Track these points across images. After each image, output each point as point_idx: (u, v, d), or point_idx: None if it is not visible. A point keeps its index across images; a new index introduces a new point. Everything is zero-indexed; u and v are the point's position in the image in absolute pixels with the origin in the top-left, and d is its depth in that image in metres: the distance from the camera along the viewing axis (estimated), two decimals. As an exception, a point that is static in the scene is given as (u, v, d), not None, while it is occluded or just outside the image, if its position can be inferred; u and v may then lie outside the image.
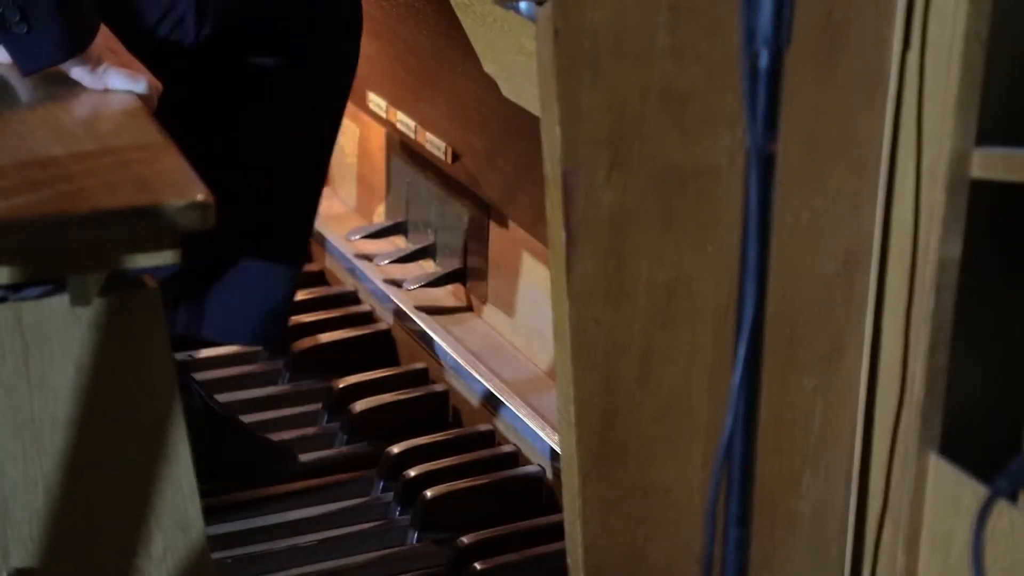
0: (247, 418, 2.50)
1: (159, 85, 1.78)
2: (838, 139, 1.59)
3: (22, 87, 1.73)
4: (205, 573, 1.57)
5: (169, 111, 1.78)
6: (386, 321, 2.73)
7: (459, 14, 2.06)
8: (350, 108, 3.02)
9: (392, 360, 2.69)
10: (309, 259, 2.90)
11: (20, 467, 1.49)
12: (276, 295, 2.17)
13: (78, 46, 1.70)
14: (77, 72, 1.72)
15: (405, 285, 2.70)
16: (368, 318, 2.76)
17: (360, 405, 2.48)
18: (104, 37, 1.74)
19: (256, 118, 2.10)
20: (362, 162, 3.02)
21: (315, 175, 2.20)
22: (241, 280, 2.15)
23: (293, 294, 2.22)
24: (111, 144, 1.58)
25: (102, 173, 1.49)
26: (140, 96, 1.73)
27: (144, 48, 1.83)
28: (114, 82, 1.73)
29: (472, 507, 2.26)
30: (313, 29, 2.08)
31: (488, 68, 2.02)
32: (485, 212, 2.59)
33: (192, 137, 2.07)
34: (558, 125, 1.49)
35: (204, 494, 1.57)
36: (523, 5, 1.81)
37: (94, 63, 1.72)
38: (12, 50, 1.69)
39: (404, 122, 2.73)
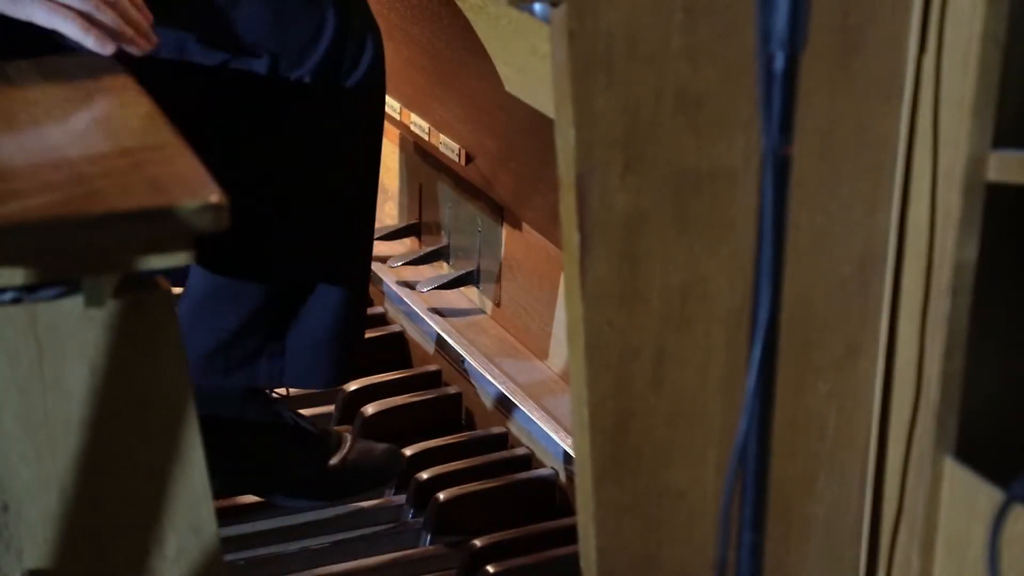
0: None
1: (139, 40, 1.70)
2: (854, 142, 1.59)
3: (37, 88, 1.73)
4: (218, 575, 1.57)
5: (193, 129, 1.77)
6: (399, 323, 2.72)
7: (471, 16, 2.06)
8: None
9: (405, 362, 2.69)
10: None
11: (34, 468, 1.49)
12: (347, 335, 2.16)
13: None
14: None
15: (418, 287, 2.70)
16: (381, 320, 2.76)
17: (373, 407, 2.47)
18: None
19: (285, 136, 2.08)
20: (375, 164, 3.02)
21: (364, 200, 2.16)
22: (314, 325, 2.14)
23: (363, 327, 2.20)
24: (125, 145, 1.58)
25: (116, 174, 1.49)
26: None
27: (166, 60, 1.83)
28: (33, 13, 1.63)
29: (485, 510, 2.26)
30: (330, 44, 2.07)
31: (499, 68, 2.02)
32: (499, 214, 2.59)
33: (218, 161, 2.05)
34: (572, 127, 1.48)
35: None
36: (537, 7, 1.81)
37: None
38: None
39: (417, 124, 2.73)
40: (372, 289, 2.82)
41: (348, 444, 2.26)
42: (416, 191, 2.84)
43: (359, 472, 2.25)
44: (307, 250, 2.10)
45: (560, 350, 2.46)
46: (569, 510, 2.27)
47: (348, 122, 2.09)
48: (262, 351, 2.12)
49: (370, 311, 2.77)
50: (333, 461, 2.23)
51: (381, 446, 2.30)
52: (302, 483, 2.21)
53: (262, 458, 2.19)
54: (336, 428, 2.33)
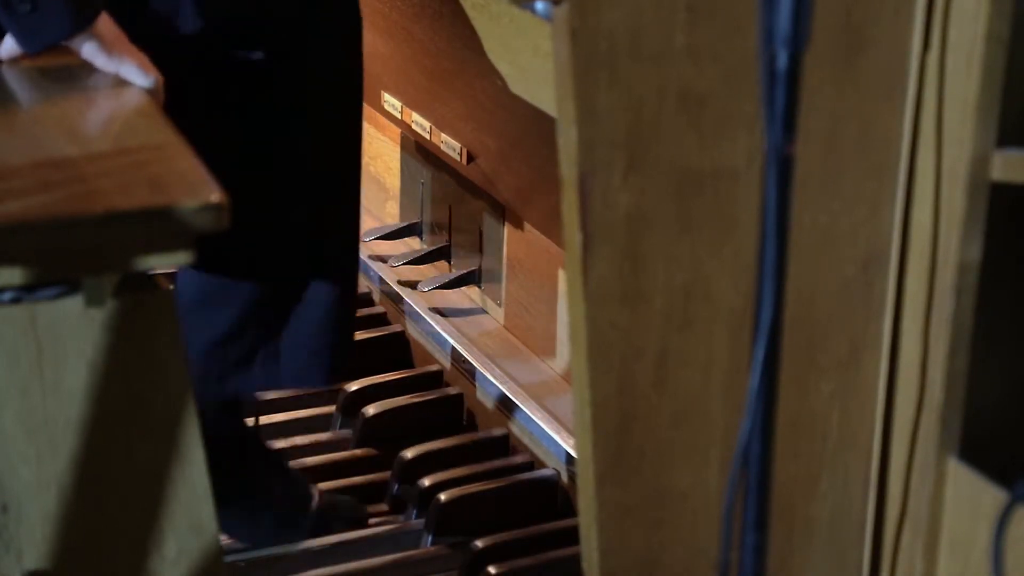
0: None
1: (161, 80, 1.78)
2: (857, 141, 1.58)
3: (36, 88, 1.73)
4: (218, 576, 1.57)
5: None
6: (400, 323, 2.72)
7: (472, 13, 2.06)
8: (365, 109, 3.02)
9: (406, 362, 2.68)
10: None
11: (34, 469, 1.49)
12: (341, 331, 2.15)
13: (84, 22, 1.69)
14: (89, 50, 1.71)
15: (420, 287, 2.70)
16: (382, 320, 2.75)
17: (374, 408, 2.47)
18: (110, 24, 1.74)
19: (260, 128, 2.08)
20: (376, 163, 3.02)
21: (346, 194, 2.17)
22: (306, 323, 2.13)
23: (354, 325, 2.19)
24: (125, 144, 1.58)
25: (116, 174, 1.49)
26: (148, 91, 1.73)
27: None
28: (126, 69, 1.72)
29: (487, 511, 2.26)
30: (307, 25, 2.06)
31: (500, 67, 2.01)
32: (500, 213, 2.58)
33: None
34: (575, 126, 1.48)
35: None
36: (539, 5, 1.81)
37: (107, 44, 1.71)
38: (17, 29, 1.68)
39: (419, 123, 2.73)
40: (373, 288, 2.82)
41: (317, 492, 2.27)
42: (418, 190, 2.84)
43: (329, 517, 2.26)
44: (294, 246, 2.10)
45: (562, 350, 2.45)
46: (571, 511, 2.26)
47: (328, 116, 2.09)
48: (256, 353, 2.12)
49: (370, 311, 2.77)
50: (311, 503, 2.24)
51: (344, 499, 2.31)
52: (282, 517, 2.22)
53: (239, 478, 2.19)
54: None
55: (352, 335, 2.19)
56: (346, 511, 2.29)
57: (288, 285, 2.11)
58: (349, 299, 2.15)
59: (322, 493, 2.28)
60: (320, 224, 2.11)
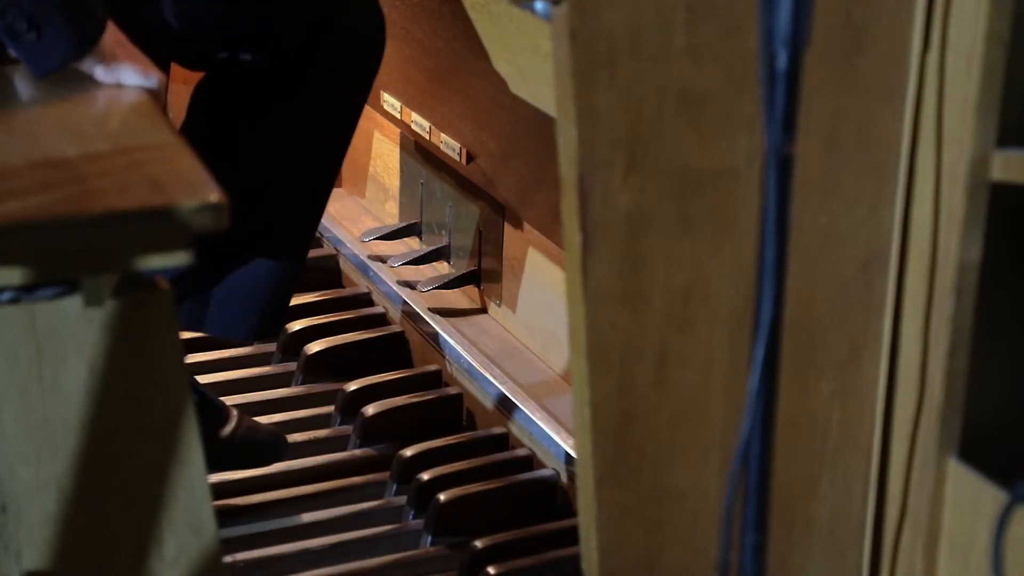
0: (260, 420, 2.50)
1: (165, 79, 1.79)
2: (857, 141, 1.58)
3: (35, 88, 1.73)
4: (217, 576, 1.57)
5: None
6: (400, 323, 2.72)
7: (472, 13, 2.06)
8: (364, 109, 3.02)
9: (406, 362, 2.68)
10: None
11: (33, 469, 1.48)
12: (277, 295, 2.17)
13: (88, 44, 1.71)
14: (89, 67, 1.73)
15: (419, 287, 2.69)
16: (381, 320, 2.75)
17: (373, 408, 2.47)
18: (112, 32, 1.75)
19: (264, 116, 2.09)
20: (376, 163, 3.02)
21: (325, 176, 2.20)
22: (245, 278, 2.15)
23: (292, 293, 2.23)
24: (124, 144, 1.58)
25: (115, 174, 1.49)
26: (149, 91, 1.73)
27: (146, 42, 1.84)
28: (126, 77, 1.73)
29: (486, 511, 2.26)
30: (326, 29, 2.08)
31: (500, 67, 2.01)
32: (500, 213, 2.58)
33: (198, 131, 2.07)
34: (574, 126, 1.48)
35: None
36: (539, 5, 1.80)
37: (107, 58, 1.73)
38: (24, 56, 1.71)
39: (418, 123, 2.73)
40: (372, 288, 2.82)
41: (236, 419, 2.27)
42: (417, 190, 2.84)
43: (245, 449, 2.26)
44: (261, 204, 2.11)
45: (562, 350, 2.45)
46: (570, 511, 2.26)
47: (324, 107, 2.11)
48: (188, 292, 2.13)
49: (370, 311, 2.77)
50: (223, 433, 2.23)
51: (267, 427, 2.31)
52: None
53: None
54: (222, 400, 2.33)
55: (287, 301, 2.21)
56: (266, 437, 2.29)
57: (241, 237, 2.11)
58: (295, 266, 2.18)
59: (243, 417, 2.29)
60: (295, 192, 2.12)
